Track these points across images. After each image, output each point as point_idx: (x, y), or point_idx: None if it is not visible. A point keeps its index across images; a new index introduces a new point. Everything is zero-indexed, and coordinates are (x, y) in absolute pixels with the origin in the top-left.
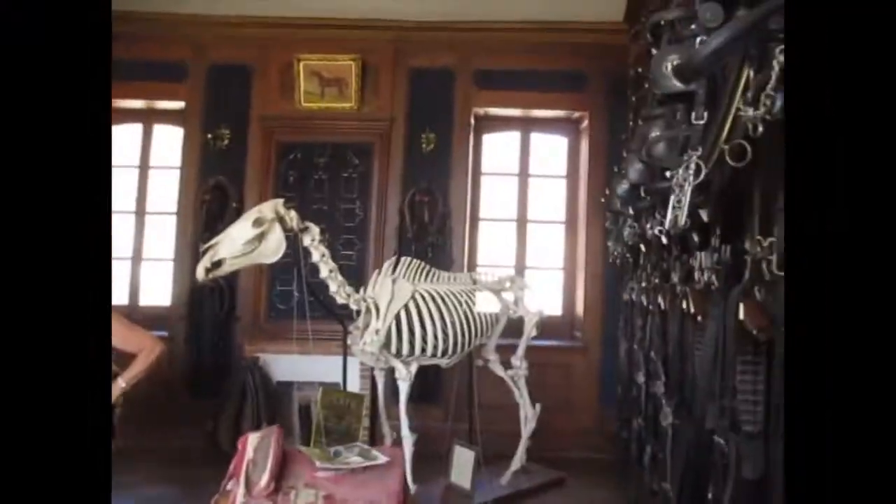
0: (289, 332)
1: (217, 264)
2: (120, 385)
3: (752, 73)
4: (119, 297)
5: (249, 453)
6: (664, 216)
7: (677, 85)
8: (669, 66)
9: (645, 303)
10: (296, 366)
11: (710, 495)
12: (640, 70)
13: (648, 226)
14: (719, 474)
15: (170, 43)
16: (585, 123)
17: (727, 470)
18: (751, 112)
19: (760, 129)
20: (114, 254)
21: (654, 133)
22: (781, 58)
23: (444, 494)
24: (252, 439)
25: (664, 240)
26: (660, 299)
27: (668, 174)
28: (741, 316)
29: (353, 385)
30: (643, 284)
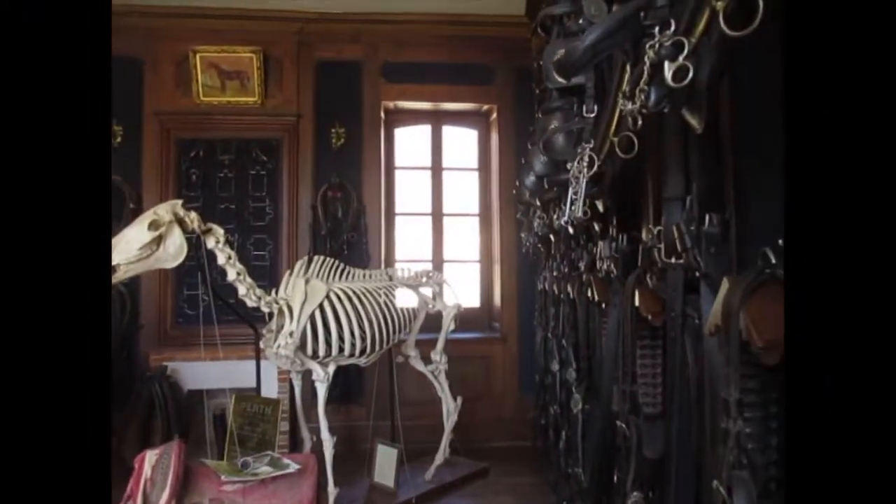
0: (198, 338)
1: (111, 270)
2: None
3: (629, 68)
4: None
5: (147, 472)
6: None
7: (560, 80)
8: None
9: (556, 292)
10: (207, 373)
11: (615, 476)
12: (541, 63)
13: (555, 216)
14: (623, 456)
15: None
16: (494, 116)
17: (629, 451)
18: (629, 106)
19: (640, 122)
20: None
21: (553, 125)
22: (651, 53)
23: (369, 495)
24: (150, 456)
25: (570, 230)
26: (569, 288)
27: (567, 166)
28: (636, 302)
29: (271, 390)
30: (554, 274)
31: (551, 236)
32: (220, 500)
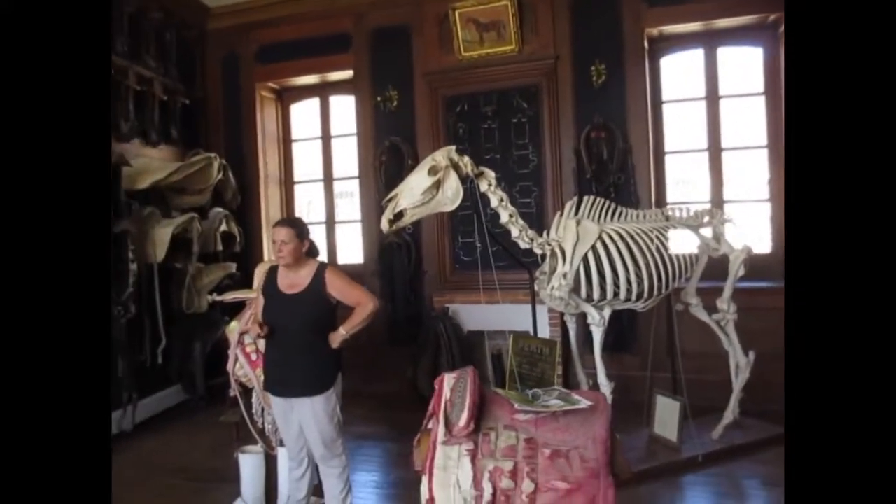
0: (473, 282)
1: (399, 215)
2: (341, 333)
3: None
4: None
5: (446, 393)
6: None
7: None
8: None
9: None
10: (484, 315)
11: None
12: None
13: None
14: None
15: (332, 16)
16: (783, 28)
17: None
18: None
19: None
20: (309, 218)
21: None
22: None
23: (649, 445)
24: (448, 379)
25: None
26: None
27: None
28: None
29: (543, 333)
30: None
31: None
32: (513, 428)
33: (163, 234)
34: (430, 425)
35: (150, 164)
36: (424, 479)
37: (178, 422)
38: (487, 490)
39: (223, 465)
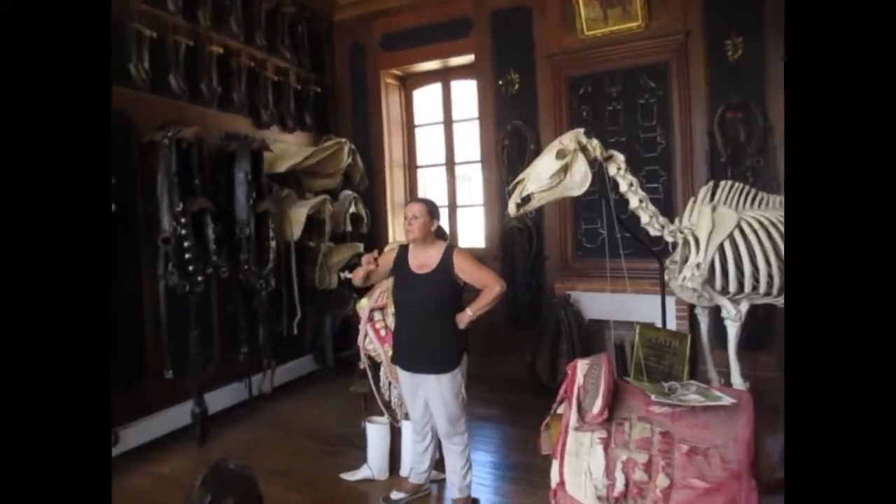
0: (596, 269)
1: (526, 199)
2: (468, 314)
3: None
4: None
5: (579, 379)
6: None
7: None
8: None
9: None
10: (607, 304)
11: None
12: None
13: None
14: None
15: (452, 1)
16: None
17: None
18: None
19: None
20: None
21: None
22: None
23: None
24: (581, 366)
25: None
26: None
27: None
28: None
29: (670, 326)
30: None
31: None
32: (648, 420)
33: (299, 214)
34: (559, 410)
35: (287, 148)
36: (555, 464)
37: (310, 389)
38: (620, 480)
39: (351, 432)
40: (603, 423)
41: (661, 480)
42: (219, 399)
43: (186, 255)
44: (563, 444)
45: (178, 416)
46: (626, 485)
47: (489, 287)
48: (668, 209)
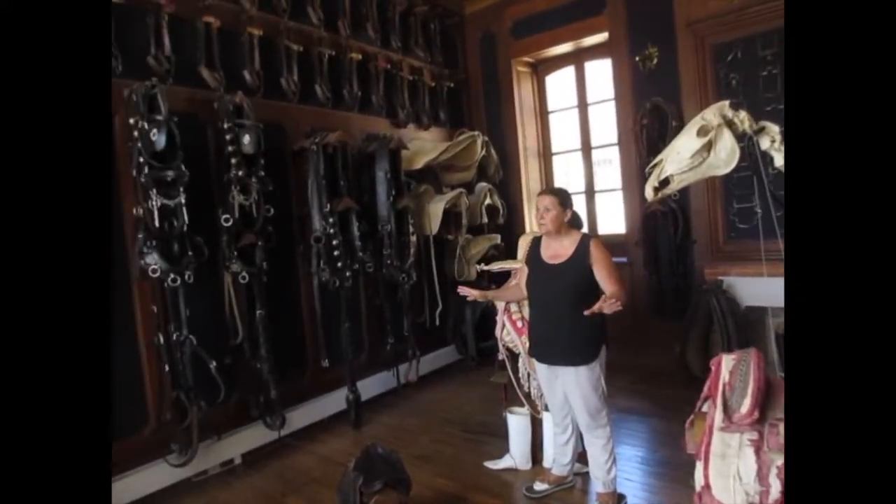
0: (752, 252)
1: (665, 182)
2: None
3: None
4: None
5: (725, 376)
6: None
7: None
8: None
9: None
10: (767, 289)
11: None
12: None
13: None
14: None
15: None
16: None
17: None
18: None
19: None
20: (569, 189)
21: None
22: None
23: None
24: (726, 361)
25: None
26: None
27: None
28: None
29: None
30: None
31: None
32: None
33: (436, 209)
34: (704, 408)
35: (423, 145)
36: (699, 465)
37: (453, 378)
38: (775, 487)
39: (493, 421)
40: (753, 423)
41: None
42: (370, 386)
43: (335, 253)
44: (708, 445)
45: (336, 401)
46: (783, 492)
47: (616, 296)
48: None
